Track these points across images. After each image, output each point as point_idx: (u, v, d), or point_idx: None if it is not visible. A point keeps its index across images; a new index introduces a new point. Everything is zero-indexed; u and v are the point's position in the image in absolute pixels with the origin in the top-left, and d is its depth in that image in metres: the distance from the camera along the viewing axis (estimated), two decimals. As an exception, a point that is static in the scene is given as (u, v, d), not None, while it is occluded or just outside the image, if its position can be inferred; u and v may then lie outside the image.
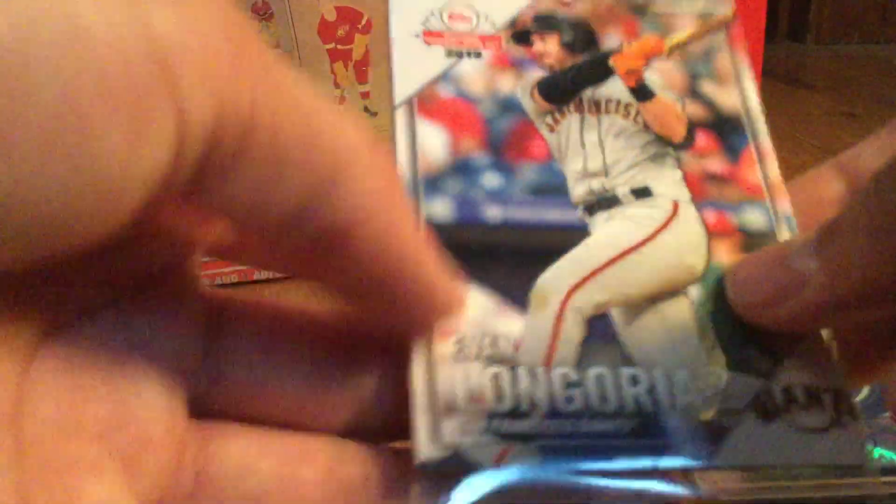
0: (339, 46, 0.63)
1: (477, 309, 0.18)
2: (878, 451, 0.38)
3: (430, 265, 0.17)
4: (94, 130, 0.11)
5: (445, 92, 0.21)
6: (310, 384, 0.18)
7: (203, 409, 0.18)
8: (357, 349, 0.18)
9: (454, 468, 0.16)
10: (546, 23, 0.23)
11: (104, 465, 0.15)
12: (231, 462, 0.17)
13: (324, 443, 0.18)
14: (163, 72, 0.11)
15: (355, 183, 0.14)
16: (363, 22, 0.63)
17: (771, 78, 1.09)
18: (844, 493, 0.37)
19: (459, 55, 0.22)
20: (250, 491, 0.17)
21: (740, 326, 0.19)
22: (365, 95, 0.65)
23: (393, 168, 0.17)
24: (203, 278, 0.19)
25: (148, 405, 0.16)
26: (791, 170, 0.21)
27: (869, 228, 0.15)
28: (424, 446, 0.16)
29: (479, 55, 0.22)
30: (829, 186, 0.21)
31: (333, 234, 0.15)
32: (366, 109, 0.65)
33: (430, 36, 0.22)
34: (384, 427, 0.18)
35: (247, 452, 0.17)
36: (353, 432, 0.18)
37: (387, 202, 0.15)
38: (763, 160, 0.22)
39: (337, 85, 0.64)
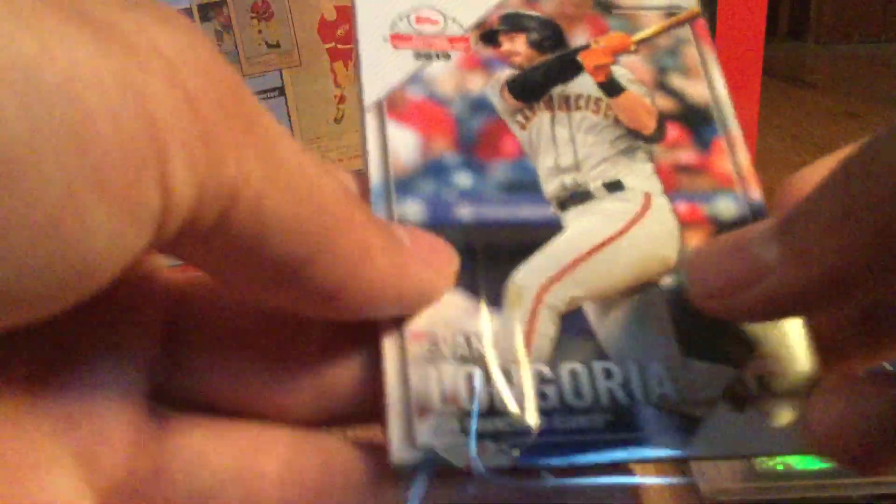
0: (338, 45, 0.63)
1: (450, 309, 0.18)
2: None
3: (421, 286, 0.17)
4: (86, 219, 0.11)
5: (415, 94, 0.21)
6: (273, 370, 0.18)
7: (164, 398, 0.17)
8: (323, 334, 0.18)
9: (428, 469, 0.16)
10: (514, 22, 0.23)
11: (61, 460, 0.15)
12: (187, 455, 0.17)
13: (284, 434, 0.18)
14: (156, 153, 0.12)
15: (337, 255, 0.15)
16: (363, 21, 0.63)
17: (771, 77, 1.09)
18: (843, 493, 0.37)
19: (428, 57, 0.22)
20: (205, 484, 0.17)
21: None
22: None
23: (376, 223, 0.17)
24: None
25: (105, 398, 0.16)
26: (791, 169, 0.21)
27: (834, 216, 0.15)
28: (398, 449, 0.16)
29: (448, 57, 0.22)
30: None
31: (315, 299, 0.15)
32: (366, 109, 0.65)
33: (397, 39, 0.22)
34: (353, 412, 0.18)
35: (204, 445, 0.17)
36: (321, 416, 0.18)
37: (371, 264, 0.16)
38: (733, 149, 0.22)
39: (337, 84, 0.64)
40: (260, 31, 0.62)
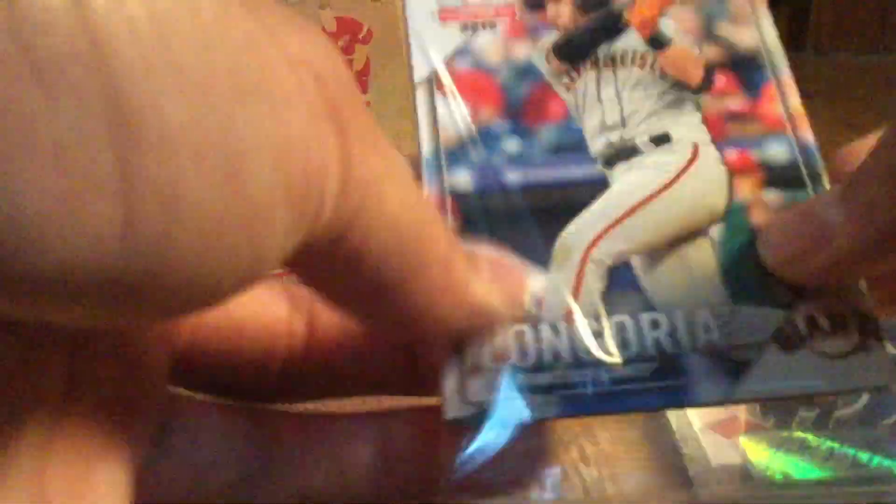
0: (339, 57, 0.64)
1: None
2: (876, 460, 0.38)
3: (496, 316, 0.18)
4: (273, 217, 0.12)
5: (463, 66, 0.22)
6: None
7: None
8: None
9: (479, 423, 0.18)
10: None
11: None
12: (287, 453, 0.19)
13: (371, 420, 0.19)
14: (321, 162, 0.13)
15: (427, 280, 0.16)
16: (363, 33, 0.64)
17: (770, 87, 1.09)
18: (841, 501, 0.37)
19: (475, 28, 0.23)
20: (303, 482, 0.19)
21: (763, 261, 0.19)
22: (366, 105, 0.65)
23: (462, 251, 0.17)
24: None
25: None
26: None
27: (891, 170, 0.16)
28: (451, 405, 0.18)
29: (493, 26, 0.23)
30: None
31: (397, 320, 0.16)
32: (366, 119, 0.66)
33: (445, 13, 0.23)
34: (395, 379, 0.20)
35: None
36: (361, 390, 0.20)
37: (454, 294, 0.16)
38: (784, 93, 0.22)
39: (337, 95, 0.65)
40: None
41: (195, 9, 0.10)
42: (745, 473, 0.38)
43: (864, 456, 0.38)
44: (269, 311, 0.20)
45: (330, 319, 0.19)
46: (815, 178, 0.20)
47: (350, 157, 0.13)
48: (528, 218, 0.20)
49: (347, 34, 0.63)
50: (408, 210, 0.15)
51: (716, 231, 0.20)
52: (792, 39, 1.51)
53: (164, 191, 0.10)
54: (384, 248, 0.14)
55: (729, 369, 0.18)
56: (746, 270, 0.19)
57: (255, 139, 0.11)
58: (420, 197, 0.15)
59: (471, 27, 0.23)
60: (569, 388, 0.18)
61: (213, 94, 0.10)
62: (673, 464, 0.37)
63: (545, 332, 0.18)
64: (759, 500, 0.37)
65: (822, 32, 1.47)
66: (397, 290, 0.15)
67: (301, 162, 0.12)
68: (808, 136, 0.21)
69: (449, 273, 0.16)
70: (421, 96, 0.22)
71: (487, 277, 0.18)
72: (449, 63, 0.22)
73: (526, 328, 0.18)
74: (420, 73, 0.22)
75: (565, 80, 0.22)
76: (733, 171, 0.21)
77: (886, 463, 0.38)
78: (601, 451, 0.35)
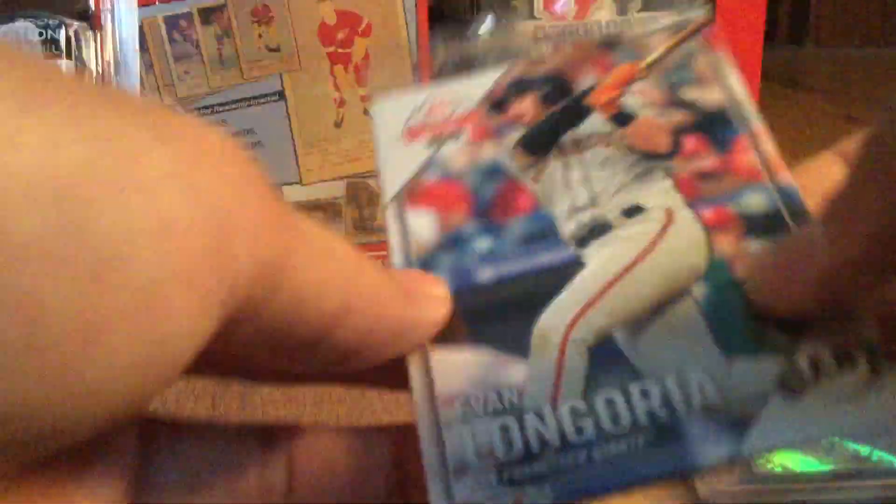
0: (338, 50, 0.63)
1: (478, 368, 0.19)
2: (876, 454, 0.38)
3: (425, 329, 0.18)
4: (170, 304, 0.11)
5: (431, 177, 0.22)
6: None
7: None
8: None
9: None
10: (520, 86, 0.24)
11: None
12: None
13: None
14: (223, 243, 0.12)
15: (360, 310, 0.16)
16: (363, 25, 0.64)
17: (770, 81, 1.09)
18: (843, 496, 0.37)
19: (441, 141, 0.23)
20: None
21: (755, 310, 0.19)
22: (365, 98, 0.65)
23: (386, 275, 0.18)
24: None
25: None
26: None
27: (869, 184, 0.15)
28: None
29: (459, 136, 0.23)
30: (833, 170, 0.21)
31: (340, 355, 0.16)
32: (366, 112, 0.65)
33: (410, 134, 0.23)
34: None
35: None
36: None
37: (387, 315, 0.17)
38: (757, 142, 0.22)
39: (337, 88, 0.64)
40: (260, 35, 0.63)
41: (30, 120, 0.10)
42: (746, 467, 0.38)
43: (864, 450, 0.38)
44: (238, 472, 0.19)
45: (313, 462, 0.19)
46: (799, 217, 0.20)
47: (259, 224, 0.13)
48: (503, 311, 0.20)
49: (347, 27, 0.63)
50: (335, 257, 0.15)
51: (699, 290, 0.19)
52: (792, 33, 1.51)
53: (22, 306, 0.10)
54: (317, 292, 0.15)
55: (732, 426, 0.17)
56: (736, 324, 0.18)
57: (127, 229, 0.10)
58: (342, 243, 0.16)
59: (436, 141, 0.23)
60: (560, 473, 0.17)
61: (67, 195, 0.10)
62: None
63: (530, 420, 0.18)
64: (759, 495, 0.37)
65: (823, 25, 1.47)
66: (335, 328, 0.15)
67: (196, 239, 0.11)
68: (786, 178, 0.21)
69: (381, 300, 0.17)
70: (391, 214, 0.22)
71: (416, 293, 0.18)
72: (417, 178, 0.22)
73: (510, 420, 0.18)
74: (390, 193, 0.22)
75: (532, 173, 0.22)
76: (711, 228, 0.20)
77: (887, 457, 0.38)
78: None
